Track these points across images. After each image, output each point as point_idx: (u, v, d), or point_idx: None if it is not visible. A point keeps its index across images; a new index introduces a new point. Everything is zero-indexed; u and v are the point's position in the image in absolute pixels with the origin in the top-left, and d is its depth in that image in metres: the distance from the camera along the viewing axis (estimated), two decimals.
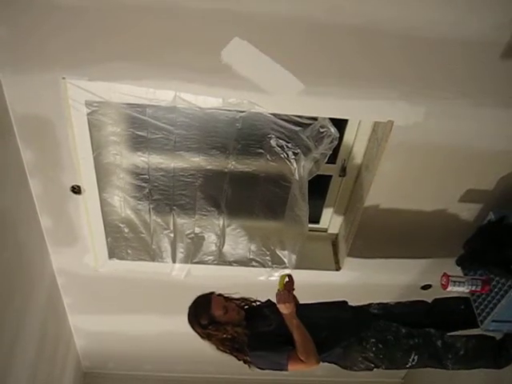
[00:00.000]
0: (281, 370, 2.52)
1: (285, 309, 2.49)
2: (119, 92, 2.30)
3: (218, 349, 2.60)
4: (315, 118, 2.63)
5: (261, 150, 2.78)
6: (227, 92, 2.31)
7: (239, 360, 2.60)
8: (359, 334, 2.68)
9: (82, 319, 3.69)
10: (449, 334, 2.84)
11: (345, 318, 2.74)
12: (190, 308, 2.62)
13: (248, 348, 2.53)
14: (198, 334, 2.60)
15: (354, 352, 2.66)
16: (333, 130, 2.63)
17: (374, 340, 2.67)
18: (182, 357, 4.06)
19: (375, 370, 2.76)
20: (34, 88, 2.26)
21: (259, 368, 2.61)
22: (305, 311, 2.60)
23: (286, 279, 2.58)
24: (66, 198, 2.74)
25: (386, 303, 2.93)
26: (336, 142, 2.67)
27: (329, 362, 2.70)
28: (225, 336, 2.54)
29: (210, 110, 2.51)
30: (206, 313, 2.55)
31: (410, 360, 2.71)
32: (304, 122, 2.64)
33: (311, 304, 2.75)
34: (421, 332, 2.78)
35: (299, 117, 2.62)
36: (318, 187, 3.08)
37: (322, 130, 2.64)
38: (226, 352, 2.59)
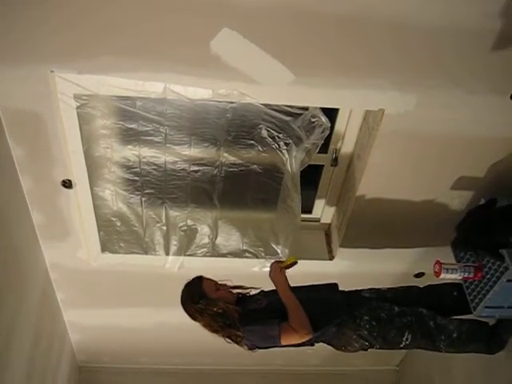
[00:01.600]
0: (274, 344, 2.54)
1: (274, 276, 2.60)
2: (108, 85, 2.28)
3: (211, 327, 2.61)
4: (306, 108, 2.62)
5: (252, 141, 2.78)
6: (217, 83, 2.30)
7: (232, 340, 2.60)
8: (352, 312, 2.71)
9: (77, 314, 3.69)
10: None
11: (336, 297, 2.78)
12: (183, 289, 2.68)
13: (240, 323, 2.55)
14: (191, 313, 2.63)
15: (347, 330, 2.68)
16: (324, 119, 2.62)
17: (367, 317, 2.70)
18: (178, 349, 4.08)
19: (370, 350, 2.78)
20: (23, 82, 2.24)
21: (252, 347, 2.61)
22: (296, 293, 2.59)
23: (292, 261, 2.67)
24: (57, 192, 2.72)
25: (379, 288, 2.94)
26: (327, 132, 2.66)
27: (323, 342, 2.72)
28: (216, 310, 2.56)
29: (201, 102, 2.49)
30: (197, 289, 2.63)
31: (404, 339, 2.74)
32: (295, 112, 2.64)
33: (302, 286, 2.75)
34: (413, 311, 2.80)
35: (290, 107, 2.62)
36: (310, 177, 3.08)
37: (313, 120, 2.63)
38: (219, 331, 2.60)
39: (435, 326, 2.80)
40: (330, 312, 2.68)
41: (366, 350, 2.78)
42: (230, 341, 2.62)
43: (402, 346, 2.78)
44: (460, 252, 2.81)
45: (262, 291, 2.76)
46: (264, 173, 2.92)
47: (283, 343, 2.52)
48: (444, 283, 2.97)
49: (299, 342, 2.53)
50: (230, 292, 2.70)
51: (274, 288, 2.63)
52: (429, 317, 2.81)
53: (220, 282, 2.70)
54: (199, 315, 2.60)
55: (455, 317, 2.94)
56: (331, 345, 2.76)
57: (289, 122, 2.65)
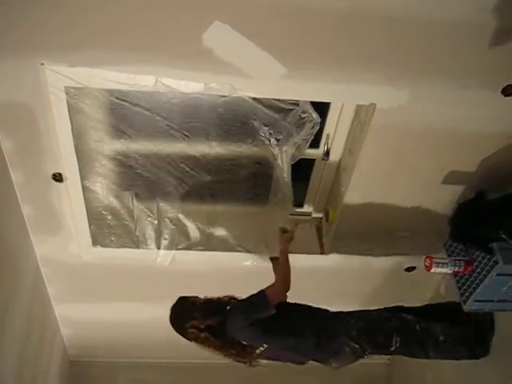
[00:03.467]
0: (263, 305, 2.60)
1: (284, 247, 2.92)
2: (99, 78, 2.27)
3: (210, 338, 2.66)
4: (297, 104, 2.62)
5: (243, 136, 2.77)
6: (209, 77, 2.29)
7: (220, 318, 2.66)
8: (340, 317, 2.81)
9: (68, 308, 3.68)
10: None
11: (327, 315, 2.85)
12: (172, 312, 2.76)
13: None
14: (186, 332, 2.69)
15: (338, 333, 2.74)
16: (314, 115, 2.63)
17: (353, 320, 2.78)
18: (170, 343, 4.06)
19: (361, 359, 2.84)
20: (13, 74, 2.22)
21: (242, 326, 2.63)
22: (290, 306, 2.73)
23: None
24: (47, 186, 2.71)
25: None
26: (317, 127, 2.67)
27: (316, 360, 2.83)
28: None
29: (192, 95, 2.49)
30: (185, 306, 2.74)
31: (393, 342, 2.79)
32: (286, 108, 2.63)
33: (296, 304, 2.82)
34: (399, 316, 2.88)
35: (281, 102, 2.61)
36: (302, 171, 3.08)
37: (303, 116, 2.64)
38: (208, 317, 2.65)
39: (421, 329, 2.87)
40: (319, 325, 2.76)
41: (357, 356, 2.81)
42: (232, 354, 2.71)
43: (392, 349, 2.82)
44: (451, 246, 2.83)
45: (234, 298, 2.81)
46: (255, 167, 2.91)
47: (270, 298, 2.60)
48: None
49: (283, 292, 2.69)
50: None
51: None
52: (414, 321, 2.89)
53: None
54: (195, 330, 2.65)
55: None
56: (323, 360, 2.84)
57: (279, 117, 2.65)
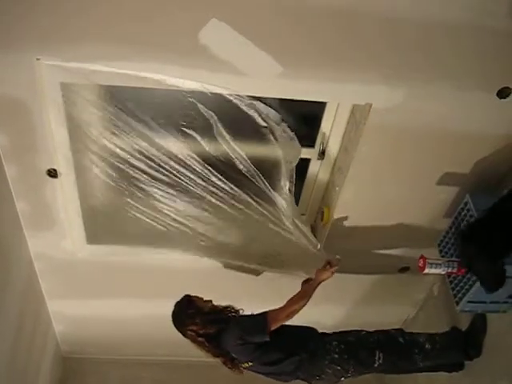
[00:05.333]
0: (260, 330, 2.64)
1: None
2: (95, 73, 2.26)
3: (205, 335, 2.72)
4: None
5: (244, 134, 2.75)
6: (205, 74, 2.29)
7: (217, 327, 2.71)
8: (323, 339, 2.86)
9: (61, 304, 3.67)
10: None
11: (312, 337, 2.89)
12: (175, 309, 2.81)
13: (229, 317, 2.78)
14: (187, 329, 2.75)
15: (319, 357, 2.80)
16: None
17: (336, 342, 2.84)
18: (163, 340, 4.06)
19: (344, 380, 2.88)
20: (8, 69, 2.22)
21: (234, 342, 2.68)
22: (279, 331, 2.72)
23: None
24: (42, 181, 2.70)
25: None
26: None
27: (302, 379, 2.87)
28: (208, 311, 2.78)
29: (189, 92, 2.48)
30: (190, 305, 2.79)
31: (376, 358, 2.83)
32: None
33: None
34: (380, 331, 2.93)
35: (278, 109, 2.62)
36: (297, 170, 3.07)
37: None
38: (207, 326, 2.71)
39: (405, 341, 2.92)
40: (304, 342, 2.83)
41: (339, 377, 2.85)
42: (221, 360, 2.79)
43: (376, 365, 2.85)
44: (445, 246, 2.83)
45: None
46: (256, 165, 2.90)
47: (270, 320, 2.65)
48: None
49: (283, 322, 2.68)
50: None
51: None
52: (397, 334, 2.95)
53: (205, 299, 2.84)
54: (195, 327, 2.72)
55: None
56: (306, 380, 2.90)
57: (279, 118, 2.65)
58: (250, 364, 2.76)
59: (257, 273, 3.34)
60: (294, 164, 2.80)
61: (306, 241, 3.05)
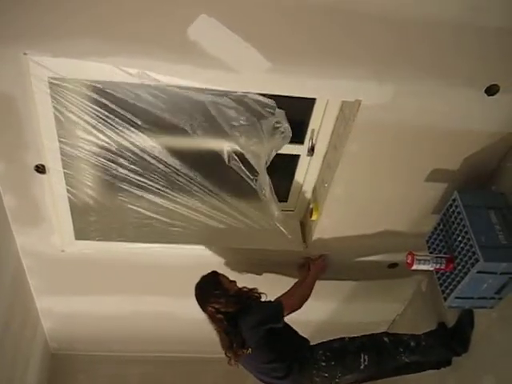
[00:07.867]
0: (278, 316, 2.82)
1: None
2: (83, 69, 2.25)
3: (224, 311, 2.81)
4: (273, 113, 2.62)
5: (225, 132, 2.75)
6: (193, 70, 2.28)
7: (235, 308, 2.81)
8: (312, 351, 2.92)
9: (49, 301, 3.65)
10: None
11: (303, 347, 2.98)
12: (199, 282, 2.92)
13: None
14: (207, 300, 2.85)
15: (307, 366, 2.86)
16: (286, 125, 2.64)
17: (321, 351, 2.90)
18: (152, 336, 4.06)
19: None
20: None
21: (251, 325, 2.77)
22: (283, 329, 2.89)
23: None
24: (30, 177, 2.68)
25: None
26: (288, 140, 2.70)
27: None
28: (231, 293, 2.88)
29: (176, 88, 2.47)
30: (214, 280, 2.92)
31: (362, 360, 2.88)
32: (263, 113, 2.63)
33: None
34: (364, 335, 3.00)
35: (262, 106, 2.60)
36: (287, 167, 3.08)
37: (277, 126, 2.65)
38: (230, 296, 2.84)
39: (389, 341, 2.98)
40: (293, 349, 2.90)
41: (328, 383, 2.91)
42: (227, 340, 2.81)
43: (362, 367, 2.90)
44: (433, 243, 2.85)
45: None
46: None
47: (286, 305, 2.85)
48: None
49: (296, 309, 2.91)
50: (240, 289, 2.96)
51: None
52: (381, 335, 3.04)
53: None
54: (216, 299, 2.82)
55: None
56: None
57: (255, 121, 2.64)
58: (249, 352, 2.79)
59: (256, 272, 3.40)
60: None
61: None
